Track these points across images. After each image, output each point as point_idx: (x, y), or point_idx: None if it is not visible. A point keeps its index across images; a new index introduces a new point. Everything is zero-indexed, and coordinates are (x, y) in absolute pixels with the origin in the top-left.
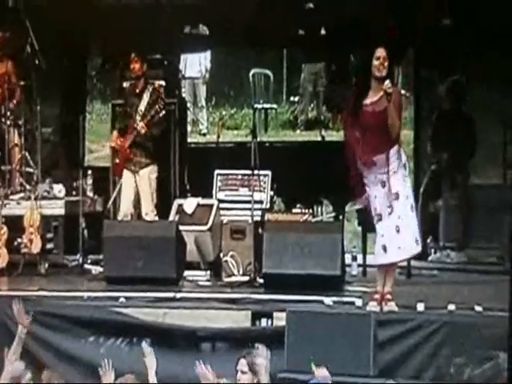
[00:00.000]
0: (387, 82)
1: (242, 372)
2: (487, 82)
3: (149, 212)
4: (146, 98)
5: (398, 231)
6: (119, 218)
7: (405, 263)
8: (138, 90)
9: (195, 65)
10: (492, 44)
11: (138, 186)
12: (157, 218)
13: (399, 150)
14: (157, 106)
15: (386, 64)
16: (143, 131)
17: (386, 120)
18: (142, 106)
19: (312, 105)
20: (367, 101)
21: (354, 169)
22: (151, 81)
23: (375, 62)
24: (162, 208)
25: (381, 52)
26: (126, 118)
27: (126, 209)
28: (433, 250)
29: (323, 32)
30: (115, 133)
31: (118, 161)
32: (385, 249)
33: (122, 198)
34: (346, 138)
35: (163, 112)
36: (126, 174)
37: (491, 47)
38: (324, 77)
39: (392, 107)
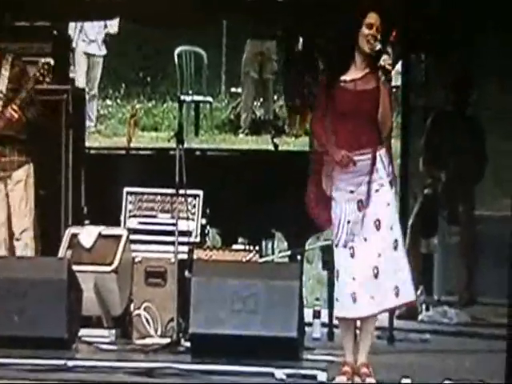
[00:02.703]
0: (385, 56)
1: None
2: (499, 77)
3: (27, 229)
4: (4, 73)
5: (375, 275)
6: None
7: (386, 323)
8: None
9: (94, 37)
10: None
11: (9, 198)
12: (30, 247)
13: (389, 155)
14: (24, 81)
15: (378, 36)
16: (16, 117)
17: (372, 105)
18: (3, 86)
19: (259, 99)
20: (346, 77)
21: (315, 179)
22: (28, 58)
23: (365, 31)
24: (48, 240)
25: (374, 18)
26: None
27: None
28: (424, 306)
29: None
30: None
31: None
32: (355, 298)
33: None
34: (312, 130)
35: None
36: None
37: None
38: (275, 60)
39: (387, 93)
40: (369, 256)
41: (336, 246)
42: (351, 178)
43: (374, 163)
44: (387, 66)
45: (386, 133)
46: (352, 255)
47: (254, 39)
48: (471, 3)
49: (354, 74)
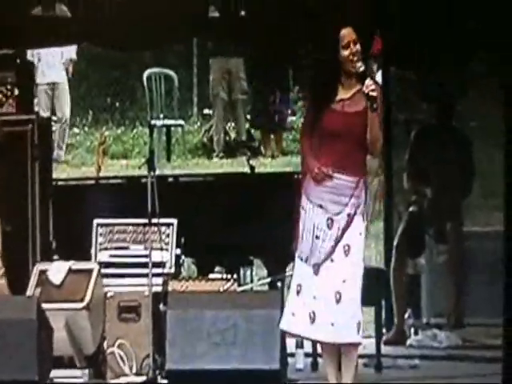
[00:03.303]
0: (369, 81)
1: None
2: (485, 87)
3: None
4: None
5: (338, 300)
6: None
7: (373, 349)
8: None
9: (54, 65)
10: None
11: None
12: (3, 285)
13: (366, 185)
14: None
15: (359, 51)
16: None
17: (360, 127)
18: None
19: (231, 120)
20: (335, 98)
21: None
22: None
23: (344, 53)
24: (16, 277)
25: (348, 35)
26: None
27: None
28: (412, 330)
29: (243, 13)
30: None
31: None
32: (313, 318)
33: None
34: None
35: None
36: None
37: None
38: (244, 78)
39: (376, 116)
40: (333, 278)
41: (300, 258)
42: (324, 193)
43: (358, 190)
44: (371, 93)
45: (376, 153)
46: (316, 273)
47: (218, 57)
48: (454, 15)
49: (342, 93)
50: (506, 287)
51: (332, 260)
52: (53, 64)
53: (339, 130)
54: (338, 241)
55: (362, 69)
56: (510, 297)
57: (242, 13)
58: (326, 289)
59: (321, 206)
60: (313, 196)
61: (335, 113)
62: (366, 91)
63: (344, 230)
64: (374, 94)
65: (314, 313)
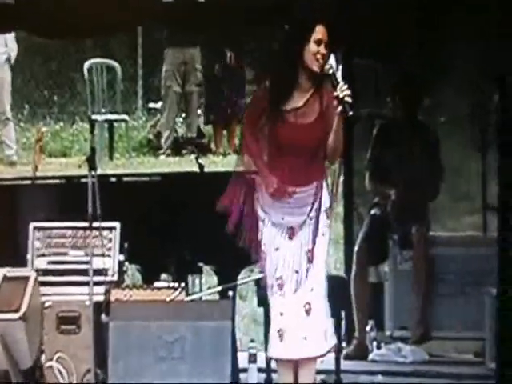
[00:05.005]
0: (342, 84)
1: None
2: (454, 80)
3: None
4: None
5: (307, 311)
6: None
7: (332, 365)
8: None
9: None
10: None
11: None
12: None
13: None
14: None
15: (326, 55)
16: None
17: (316, 139)
18: None
19: (181, 115)
20: (287, 106)
21: (235, 199)
22: None
23: (313, 48)
24: None
25: (323, 34)
26: None
27: None
28: (375, 344)
29: None
30: None
31: None
32: (281, 336)
33: None
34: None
35: None
36: None
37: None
38: (200, 69)
39: (340, 123)
40: (300, 290)
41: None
42: (284, 208)
43: (319, 194)
44: (346, 99)
45: (335, 160)
46: (280, 287)
47: (174, 47)
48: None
49: (295, 99)
50: (498, 297)
51: (296, 271)
52: None
53: (291, 143)
54: (301, 249)
55: (331, 71)
56: (505, 310)
57: None
58: (295, 302)
59: (282, 218)
60: (271, 213)
61: (288, 125)
62: (341, 96)
63: (312, 236)
64: (350, 100)
65: (281, 330)
